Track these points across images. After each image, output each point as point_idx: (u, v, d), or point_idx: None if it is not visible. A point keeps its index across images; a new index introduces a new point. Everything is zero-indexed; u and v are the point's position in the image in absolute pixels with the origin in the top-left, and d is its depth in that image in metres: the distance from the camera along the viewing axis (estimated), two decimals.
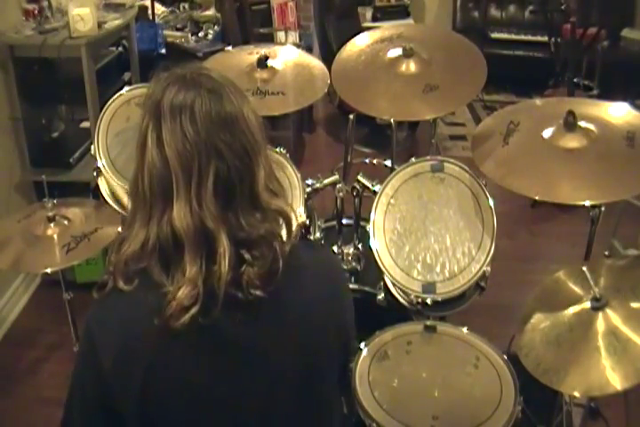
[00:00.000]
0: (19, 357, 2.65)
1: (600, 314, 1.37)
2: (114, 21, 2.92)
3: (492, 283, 1.72)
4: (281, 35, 4.31)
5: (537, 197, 1.61)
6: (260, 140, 1.05)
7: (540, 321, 1.46)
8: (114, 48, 3.28)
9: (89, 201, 2.16)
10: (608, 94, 3.68)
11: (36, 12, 2.73)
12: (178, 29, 3.96)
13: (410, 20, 4.84)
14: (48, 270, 1.89)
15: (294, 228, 1.10)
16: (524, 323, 1.48)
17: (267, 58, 2.01)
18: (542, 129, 1.67)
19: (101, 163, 1.80)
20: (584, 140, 1.63)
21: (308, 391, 1.14)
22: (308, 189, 1.88)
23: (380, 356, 1.57)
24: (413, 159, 1.81)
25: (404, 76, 1.95)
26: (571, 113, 1.63)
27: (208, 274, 0.99)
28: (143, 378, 1.03)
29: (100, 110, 1.88)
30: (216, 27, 3.99)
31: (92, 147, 1.83)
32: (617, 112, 1.70)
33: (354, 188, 1.92)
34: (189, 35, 3.90)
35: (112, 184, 1.80)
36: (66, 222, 1.98)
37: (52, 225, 1.96)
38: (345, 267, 2.04)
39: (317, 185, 1.92)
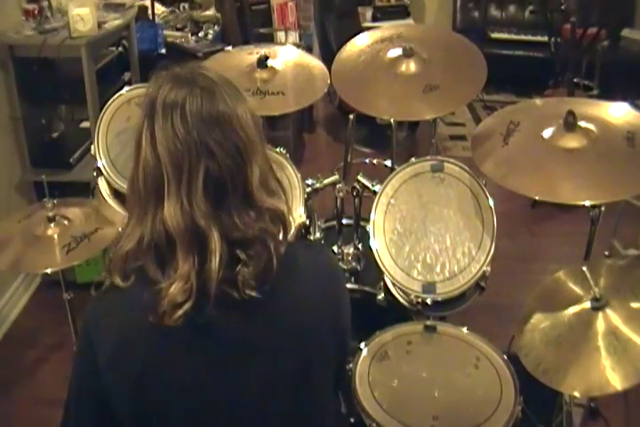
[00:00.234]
0: (19, 357, 2.65)
1: (600, 314, 1.37)
2: (114, 21, 2.92)
3: (492, 283, 1.72)
4: (281, 35, 4.31)
5: (537, 197, 1.61)
6: (255, 140, 1.05)
7: (539, 321, 1.46)
8: (114, 48, 3.28)
9: (89, 201, 2.16)
10: (608, 94, 3.68)
11: (36, 12, 2.73)
12: (178, 29, 3.96)
13: (410, 20, 4.84)
14: (48, 271, 1.89)
15: (290, 227, 1.10)
16: (523, 323, 1.48)
17: (267, 58, 2.01)
18: (542, 129, 1.67)
19: (101, 163, 1.80)
20: (584, 140, 1.63)
21: (303, 391, 1.14)
22: (308, 189, 1.88)
23: (380, 356, 1.57)
24: (413, 159, 1.81)
25: (403, 76, 1.95)
26: (571, 113, 1.63)
27: (201, 271, 1.00)
28: (138, 376, 1.03)
29: (100, 110, 1.88)
30: (216, 27, 3.99)
31: (92, 147, 1.83)
32: (617, 112, 1.70)
33: (354, 188, 1.92)
34: (189, 35, 3.90)
35: (112, 184, 1.80)
36: (66, 222, 1.98)
37: (52, 225, 1.96)
38: (345, 267, 2.04)
39: (317, 185, 1.92)
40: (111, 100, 1.87)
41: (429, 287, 1.65)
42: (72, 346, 2.17)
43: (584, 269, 1.43)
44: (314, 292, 1.13)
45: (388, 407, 1.45)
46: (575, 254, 1.93)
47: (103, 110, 1.86)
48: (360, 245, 2.06)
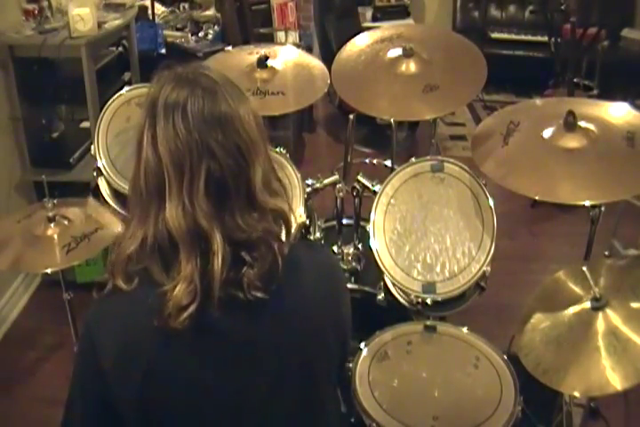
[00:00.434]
0: (19, 357, 2.65)
1: (600, 314, 1.37)
2: (114, 21, 2.92)
3: (492, 283, 1.72)
4: (281, 35, 4.31)
5: (537, 197, 1.61)
6: (257, 141, 1.04)
7: (540, 321, 1.46)
8: (114, 48, 3.28)
9: (89, 201, 2.16)
10: (608, 94, 3.68)
11: (36, 12, 2.73)
12: (178, 29, 3.96)
13: (410, 20, 4.84)
14: (48, 271, 1.89)
15: (293, 228, 1.10)
16: (523, 323, 1.48)
17: (267, 58, 2.01)
18: (542, 129, 1.67)
19: (101, 163, 1.80)
20: (584, 140, 1.63)
21: (306, 391, 1.14)
22: (308, 189, 1.88)
23: (380, 356, 1.57)
24: (413, 159, 1.81)
25: (403, 76, 1.95)
26: (571, 113, 1.63)
27: (204, 272, 0.99)
28: (143, 378, 1.02)
29: (100, 110, 1.88)
30: (216, 27, 3.99)
31: (92, 147, 1.83)
32: (617, 112, 1.70)
33: (354, 188, 1.92)
34: (189, 35, 3.90)
35: (112, 184, 1.80)
36: (66, 222, 1.98)
37: (52, 225, 1.96)
38: (345, 267, 2.04)
39: (317, 185, 1.92)
40: (111, 100, 1.87)
41: (429, 287, 1.65)
42: (72, 346, 2.17)
43: (584, 269, 1.43)
44: (317, 292, 1.14)
45: (388, 407, 1.45)
46: (575, 254, 1.93)
47: (103, 110, 1.86)
48: (360, 245, 2.06)
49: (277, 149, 1.88)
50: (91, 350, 1.05)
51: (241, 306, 1.02)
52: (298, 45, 3.85)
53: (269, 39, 4.27)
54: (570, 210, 3.22)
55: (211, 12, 4.11)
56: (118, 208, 1.83)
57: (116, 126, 1.84)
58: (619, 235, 2.92)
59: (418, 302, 1.67)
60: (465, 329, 1.63)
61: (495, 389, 1.48)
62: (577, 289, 1.46)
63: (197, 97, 1.00)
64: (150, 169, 1.01)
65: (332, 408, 1.27)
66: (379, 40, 2.06)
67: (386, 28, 2.11)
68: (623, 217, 2.84)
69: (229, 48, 2.19)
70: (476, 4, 5.22)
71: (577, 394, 1.39)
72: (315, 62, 2.10)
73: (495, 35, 4.99)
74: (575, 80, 3.81)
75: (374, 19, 4.82)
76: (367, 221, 1.76)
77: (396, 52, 1.98)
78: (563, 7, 3.77)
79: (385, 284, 1.75)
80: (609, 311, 1.37)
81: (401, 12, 4.86)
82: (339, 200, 1.98)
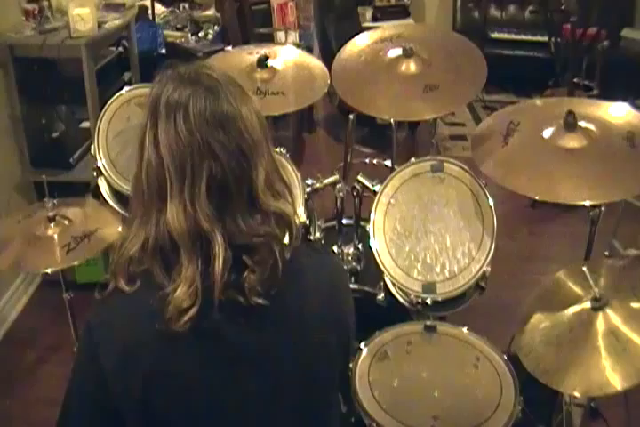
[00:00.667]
0: (19, 357, 2.65)
1: (600, 314, 1.37)
2: (114, 21, 2.92)
3: (492, 283, 1.72)
4: (281, 35, 4.30)
5: (537, 197, 1.61)
6: (260, 141, 1.03)
7: (540, 321, 1.46)
8: (114, 48, 3.28)
9: (89, 201, 2.16)
10: (608, 94, 3.67)
11: (36, 12, 2.73)
12: (178, 29, 3.96)
13: (410, 20, 4.83)
14: (48, 271, 1.89)
15: (295, 231, 1.09)
16: (523, 323, 1.48)
17: (267, 58, 2.01)
18: (542, 129, 1.67)
19: (101, 163, 1.80)
20: (584, 140, 1.63)
21: (309, 393, 1.13)
22: (308, 189, 1.88)
23: (380, 356, 1.57)
24: (413, 159, 1.81)
25: (404, 76, 1.95)
26: (571, 113, 1.63)
27: (205, 275, 0.99)
28: (144, 381, 1.02)
29: (100, 110, 1.88)
30: (216, 27, 3.99)
31: (92, 147, 1.83)
32: (617, 112, 1.70)
33: (354, 188, 1.92)
34: (189, 35, 3.90)
35: (112, 184, 1.80)
36: (66, 222, 1.98)
37: (52, 225, 1.96)
38: (345, 267, 2.04)
39: (317, 185, 1.92)
40: (111, 100, 1.87)
41: (429, 287, 1.65)
42: (72, 346, 2.17)
43: (584, 269, 1.43)
44: (318, 296, 1.13)
45: (388, 407, 1.45)
46: (575, 254, 1.93)
47: (103, 110, 1.86)
48: (360, 245, 2.06)
49: (277, 149, 1.88)
50: (92, 352, 1.04)
51: (242, 310, 1.02)
52: (298, 45, 3.85)
53: (269, 39, 4.27)
54: (570, 210, 3.22)
55: (211, 12, 4.11)
56: (118, 208, 1.83)
57: (116, 126, 1.84)
58: (619, 235, 2.91)
59: (418, 302, 1.67)
60: (465, 329, 1.63)
61: (495, 389, 1.48)
62: (577, 289, 1.46)
63: (200, 97, 1.00)
64: (152, 170, 1.00)
65: (335, 410, 1.27)
66: (379, 40, 2.06)
67: (386, 28, 2.11)
68: (623, 217, 2.84)
69: (229, 48, 2.20)
70: (476, 4, 5.22)
71: (577, 394, 1.39)
72: (315, 62, 2.10)
73: (495, 35, 4.98)
74: (575, 80, 3.81)
75: (374, 19, 4.81)
76: (367, 221, 1.76)
77: (395, 52, 1.98)
78: (563, 7, 3.76)
79: (385, 284, 1.75)
80: (609, 311, 1.37)
81: (401, 12, 4.85)
82: (339, 200, 1.98)
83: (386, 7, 4.85)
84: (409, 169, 1.79)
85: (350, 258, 2.07)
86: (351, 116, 2.20)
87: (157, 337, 1.01)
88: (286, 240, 1.07)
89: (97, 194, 1.93)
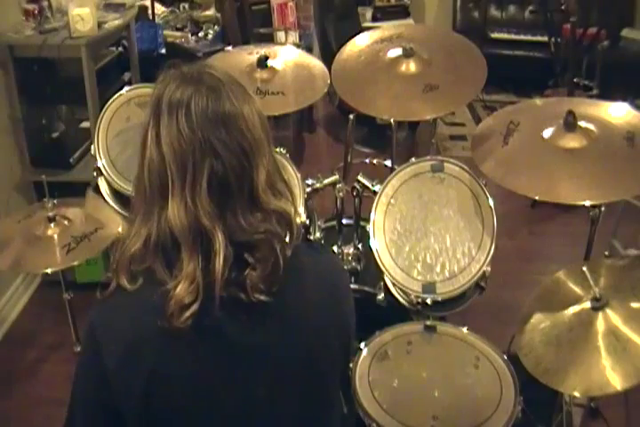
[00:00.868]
0: (19, 357, 2.65)
1: (600, 314, 1.37)
2: (114, 21, 2.92)
3: (492, 283, 1.72)
4: (281, 35, 4.30)
5: (537, 197, 1.61)
6: (261, 141, 1.04)
7: (540, 321, 1.46)
8: (114, 48, 3.28)
9: (90, 196, 2.15)
10: (608, 94, 3.68)
11: (36, 12, 2.72)
12: (178, 29, 3.96)
13: (410, 20, 4.83)
14: (48, 271, 1.89)
15: (296, 229, 1.09)
16: (523, 323, 1.48)
17: (267, 58, 2.01)
18: (542, 129, 1.67)
19: (101, 163, 1.80)
20: (584, 140, 1.63)
21: (310, 392, 1.14)
22: (308, 189, 1.88)
23: (380, 356, 1.57)
24: (413, 159, 1.81)
25: (404, 76, 1.95)
26: (571, 113, 1.63)
27: (206, 271, 0.99)
28: (147, 379, 1.02)
29: (100, 110, 1.88)
30: (216, 27, 3.99)
31: (92, 147, 1.83)
32: (617, 112, 1.70)
33: (354, 188, 1.92)
34: (189, 35, 3.90)
35: (112, 184, 1.80)
36: (66, 222, 1.98)
37: (52, 225, 1.96)
38: (345, 267, 2.04)
39: (317, 185, 1.92)
40: (111, 100, 1.87)
41: (429, 287, 1.65)
42: (72, 346, 2.18)
43: (584, 269, 1.43)
44: (319, 294, 1.13)
45: (388, 407, 1.45)
46: (575, 254, 1.93)
47: (103, 110, 1.86)
48: (360, 245, 2.06)
49: (277, 149, 1.88)
50: (95, 351, 1.04)
51: (243, 307, 1.02)
52: (298, 45, 3.85)
53: (269, 39, 4.27)
54: (570, 210, 3.22)
55: (211, 12, 4.11)
56: (118, 208, 1.83)
57: (116, 126, 1.84)
58: (619, 235, 2.92)
59: (418, 302, 1.67)
60: (465, 329, 1.63)
61: (495, 389, 1.48)
62: (577, 289, 1.46)
63: (201, 96, 1.00)
64: (154, 167, 1.01)
65: (335, 411, 1.27)
66: (379, 40, 2.06)
67: (386, 28, 2.11)
68: (623, 217, 2.85)
69: (229, 48, 2.19)
70: (476, 4, 5.22)
71: (577, 394, 1.39)
72: (315, 62, 2.10)
73: (495, 35, 4.98)
74: (575, 80, 3.81)
75: (374, 19, 4.81)
76: (367, 221, 1.76)
77: (395, 52, 1.98)
78: (563, 7, 3.76)
79: (385, 284, 1.75)
80: (609, 311, 1.37)
81: (401, 12, 4.85)
82: (339, 200, 1.98)
83: (386, 7, 4.85)
84: (409, 169, 1.79)
85: (350, 258, 2.07)
86: (351, 116, 2.20)
87: (159, 334, 1.01)
88: (287, 239, 1.07)
89: (97, 194, 1.93)
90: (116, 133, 1.83)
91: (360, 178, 1.91)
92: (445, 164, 1.77)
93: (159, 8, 3.97)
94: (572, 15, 3.59)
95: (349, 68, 2.01)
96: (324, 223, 2.18)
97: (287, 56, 2.10)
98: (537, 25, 4.79)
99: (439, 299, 1.66)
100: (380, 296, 1.79)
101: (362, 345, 1.59)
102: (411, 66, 1.95)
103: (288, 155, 1.88)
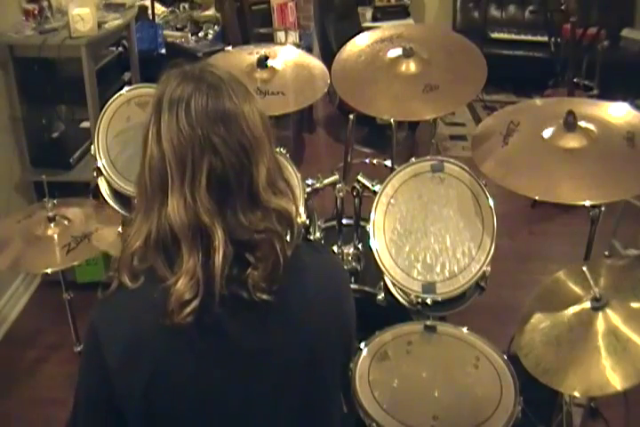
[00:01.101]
0: (19, 357, 2.65)
1: (600, 314, 1.37)
2: (114, 21, 2.92)
3: (492, 283, 1.72)
4: (281, 35, 4.31)
5: (537, 197, 1.61)
6: (261, 139, 1.05)
7: (540, 321, 1.46)
8: (114, 48, 3.28)
9: (89, 201, 2.16)
10: (608, 94, 3.68)
11: (36, 12, 2.73)
12: (178, 29, 3.97)
13: (410, 20, 4.84)
14: (48, 271, 1.89)
15: (297, 228, 1.09)
16: (523, 323, 1.48)
17: (267, 58, 2.01)
18: (542, 129, 1.67)
19: (101, 163, 1.80)
20: (584, 140, 1.63)
21: (310, 392, 1.14)
22: (308, 189, 1.88)
23: (380, 356, 1.57)
24: (413, 159, 1.80)
25: (404, 76, 1.95)
26: (571, 113, 1.63)
27: (207, 268, 1.00)
28: (148, 377, 1.03)
29: (100, 110, 1.88)
30: (216, 27, 3.99)
31: (92, 147, 1.83)
32: (617, 112, 1.70)
33: (354, 188, 1.92)
34: (189, 35, 3.90)
35: (112, 184, 1.80)
36: (66, 222, 1.98)
37: (52, 225, 1.96)
38: (345, 267, 2.04)
39: (317, 185, 1.92)
40: (111, 100, 1.87)
41: (429, 287, 1.65)
42: (72, 346, 2.18)
43: (584, 269, 1.43)
44: (320, 293, 1.13)
45: (388, 407, 1.45)
46: (575, 254, 1.93)
47: (103, 110, 1.86)
48: (360, 245, 2.06)
49: (277, 149, 1.88)
50: (96, 350, 1.05)
51: (244, 306, 1.02)
52: (298, 45, 3.85)
53: (269, 39, 4.27)
54: (570, 210, 3.22)
55: (211, 12, 4.11)
56: (118, 208, 1.83)
57: (116, 126, 1.84)
58: (619, 235, 2.92)
59: (418, 302, 1.67)
60: (465, 329, 1.63)
61: (495, 389, 1.48)
62: (577, 289, 1.46)
63: (202, 93, 1.01)
64: (154, 164, 1.02)
65: (336, 410, 1.27)
66: (379, 40, 2.06)
67: (386, 28, 2.11)
68: (623, 217, 2.85)
69: (229, 48, 2.19)
70: (476, 4, 5.22)
71: (577, 394, 1.39)
72: (315, 62, 2.10)
73: (495, 35, 4.98)
74: (575, 80, 3.81)
75: (374, 19, 4.81)
76: (367, 221, 1.76)
77: (395, 52, 1.98)
78: (563, 7, 3.76)
79: (385, 284, 1.75)
80: (609, 311, 1.37)
81: (401, 12, 4.85)
82: (339, 200, 1.98)
83: (386, 7, 4.85)
84: (409, 169, 1.79)
85: (350, 258, 2.07)
86: (351, 116, 2.20)
87: (160, 333, 1.01)
88: (287, 238, 1.07)
89: (97, 194, 1.93)
90: (116, 133, 1.83)
91: (360, 178, 1.91)
92: (445, 164, 1.77)
93: (159, 8, 3.97)
94: (571, 15, 3.59)
95: (349, 68, 2.01)
96: (323, 223, 2.18)
97: (287, 56, 2.10)
98: (537, 25, 4.79)
99: (439, 299, 1.66)
100: (380, 296, 1.79)
101: (362, 345, 1.59)
102: (411, 66, 1.95)
103: (288, 155, 1.88)
